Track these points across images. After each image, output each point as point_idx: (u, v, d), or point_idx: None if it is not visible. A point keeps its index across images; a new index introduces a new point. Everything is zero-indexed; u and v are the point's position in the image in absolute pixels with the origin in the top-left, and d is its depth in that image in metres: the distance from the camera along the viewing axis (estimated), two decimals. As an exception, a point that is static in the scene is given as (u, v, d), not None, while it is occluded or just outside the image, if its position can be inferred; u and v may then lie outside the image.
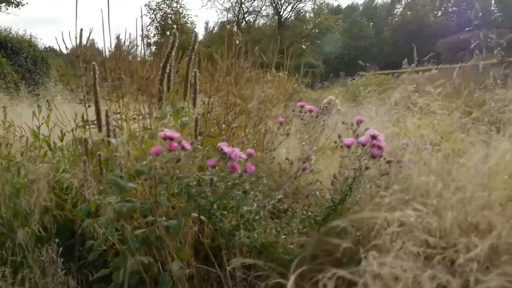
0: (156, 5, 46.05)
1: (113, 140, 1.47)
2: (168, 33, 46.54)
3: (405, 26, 47.25)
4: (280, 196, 1.42)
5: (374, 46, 49.93)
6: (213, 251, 1.63)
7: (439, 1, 57.22)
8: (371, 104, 5.27)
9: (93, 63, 1.71)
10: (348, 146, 1.48)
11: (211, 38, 53.75)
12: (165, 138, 1.29)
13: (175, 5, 46.38)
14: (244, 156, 1.36)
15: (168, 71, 1.60)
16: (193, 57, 1.67)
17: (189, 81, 1.62)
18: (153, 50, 49.64)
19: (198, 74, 1.67)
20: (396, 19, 53.02)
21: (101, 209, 1.40)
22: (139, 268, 1.48)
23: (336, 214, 1.40)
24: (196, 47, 1.71)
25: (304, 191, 1.59)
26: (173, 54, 1.58)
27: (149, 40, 49.68)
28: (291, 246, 1.43)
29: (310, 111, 1.94)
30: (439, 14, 55.98)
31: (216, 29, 53.24)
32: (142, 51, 5.24)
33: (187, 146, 1.34)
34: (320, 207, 1.47)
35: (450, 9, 56.45)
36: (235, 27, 47.43)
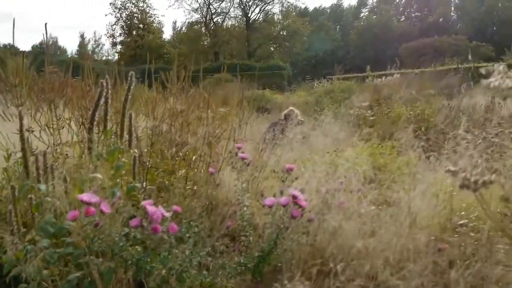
0: (121, 4, 45.10)
1: (42, 187, 1.44)
2: (134, 32, 45.70)
3: (370, 30, 48.39)
4: (214, 241, 1.43)
5: (340, 49, 50.85)
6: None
7: (403, 6, 59.00)
8: (327, 120, 5.37)
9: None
10: (270, 207, 1.48)
11: (179, 38, 53.17)
12: (83, 202, 1.26)
13: (141, 4, 45.59)
14: (167, 214, 1.36)
15: (98, 117, 1.56)
16: (129, 96, 1.64)
17: (125, 121, 1.59)
18: (119, 49, 48.72)
19: (133, 116, 1.64)
20: (362, 23, 54.20)
21: (30, 255, 1.36)
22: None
23: (265, 263, 1.43)
24: (132, 87, 1.68)
25: (241, 230, 1.61)
26: (101, 103, 1.54)
27: (114, 40, 48.67)
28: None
29: (243, 159, 1.92)
30: (403, 19, 57.70)
31: (184, 29, 52.69)
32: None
33: (106, 209, 1.31)
34: (252, 253, 1.49)
35: (413, 14, 58.33)
36: (203, 28, 47.07)
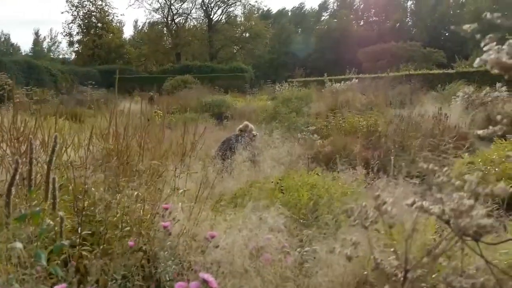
0: (78, 2, 43.64)
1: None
2: (92, 31, 44.35)
3: (330, 34, 49.44)
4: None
5: (302, 52, 51.61)
6: None
7: (362, 10, 60.69)
8: (279, 135, 5.49)
9: None
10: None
11: (141, 38, 52.14)
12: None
13: (99, 2, 44.31)
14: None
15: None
16: (53, 159, 1.62)
17: (49, 184, 1.57)
18: (76, 49, 47.13)
19: (57, 183, 1.61)
20: (322, 26, 55.27)
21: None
22: None
23: None
24: (56, 149, 1.66)
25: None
26: (17, 179, 1.51)
27: (72, 39, 47.08)
28: None
29: (165, 227, 1.90)
30: (362, 23, 59.36)
31: (145, 28, 51.67)
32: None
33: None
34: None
35: (371, 19, 60.12)
36: (165, 28, 46.40)
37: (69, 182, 2.21)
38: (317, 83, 23.63)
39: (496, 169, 5.08)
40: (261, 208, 2.27)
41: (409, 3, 58.72)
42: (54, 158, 1.64)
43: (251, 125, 5.93)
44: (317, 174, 3.05)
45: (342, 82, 22.03)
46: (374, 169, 5.47)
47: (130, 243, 1.77)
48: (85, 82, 29.39)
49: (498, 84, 13.16)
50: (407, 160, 7.43)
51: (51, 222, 1.56)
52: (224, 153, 4.86)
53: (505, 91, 12.70)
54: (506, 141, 8.74)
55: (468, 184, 1.15)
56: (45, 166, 1.66)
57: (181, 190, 2.69)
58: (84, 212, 1.90)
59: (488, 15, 1.24)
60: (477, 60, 1.21)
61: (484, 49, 1.19)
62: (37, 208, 1.54)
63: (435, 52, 33.98)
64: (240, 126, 5.95)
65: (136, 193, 1.99)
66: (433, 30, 49.99)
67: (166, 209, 1.95)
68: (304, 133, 5.91)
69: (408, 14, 57.65)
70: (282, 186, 2.75)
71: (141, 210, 1.99)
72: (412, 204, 1.41)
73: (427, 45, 38.08)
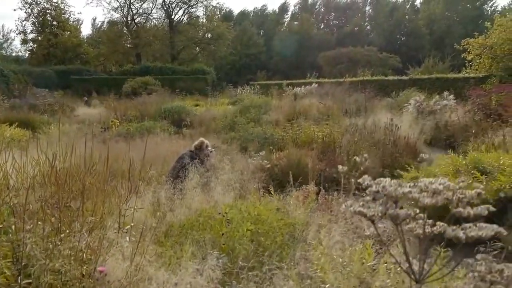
0: (32, -1, 41.84)
1: None
2: (47, 30, 42.63)
3: (292, 36, 50.10)
4: None
5: (264, 54, 51.97)
6: None
7: (322, 14, 61.90)
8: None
9: None
10: None
11: (99, 37, 50.65)
12: None
13: (55, 0, 42.66)
14: None
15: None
16: None
17: None
18: (31, 47, 45.12)
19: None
20: (284, 29, 55.90)
21: None
22: None
23: None
24: None
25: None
26: None
27: (25, 37, 45.06)
28: None
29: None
30: (322, 26, 60.54)
31: (104, 27, 50.25)
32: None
33: None
34: None
35: (331, 22, 61.47)
36: (124, 28, 45.33)
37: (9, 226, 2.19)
38: (278, 87, 23.97)
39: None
40: (204, 247, 2.35)
41: (367, 8, 60.55)
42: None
43: (206, 141, 5.98)
44: (262, 206, 3.15)
45: (303, 86, 22.48)
46: (325, 186, 5.70)
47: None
48: (40, 83, 28.23)
49: (445, 93, 13.89)
50: (359, 172, 7.74)
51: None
52: (177, 174, 4.89)
53: (452, 99, 13.42)
54: (452, 149, 9.29)
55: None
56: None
57: (128, 226, 2.72)
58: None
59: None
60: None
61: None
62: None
63: (391, 57, 35.23)
64: (196, 143, 5.98)
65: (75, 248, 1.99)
66: (390, 35, 51.80)
67: (102, 271, 1.96)
68: (255, 158, 6.03)
69: (367, 19, 59.40)
70: (228, 219, 2.84)
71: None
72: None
73: (384, 49, 39.40)
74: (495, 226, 0.94)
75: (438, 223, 0.99)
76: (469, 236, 0.92)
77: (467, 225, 0.94)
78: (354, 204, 1.05)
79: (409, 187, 1.02)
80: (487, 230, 0.93)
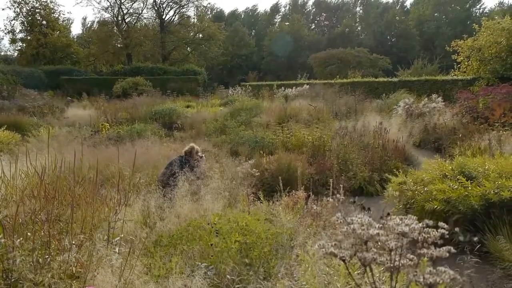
0: (21, -2, 41.36)
1: None
2: (37, 29, 42.17)
3: (283, 37, 50.18)
4: None
5: (255, 54, 52.01)
6: None
7: (313, 14, 62.12)
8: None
9: None
10: None
11: (89, 37, 50.27)
12: None
13: (44, -1, 42.21)
14: None
15: None
16: None
17: None
18: (20, 47, 44.59)
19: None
20: (275, 29, 55.96)
21: None
22: None
23: None
24: None
25: None
26: None
27: (14, 36, 44.53)
28: None
29: None
30: (313, 26, 60.75)
31: (94, 27, 49.86)
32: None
33: None
34: None
35: (322, 23, 61.72)
36: (115, 28, 45.02)
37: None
38: (269, 88, 24.04)
39: (426, 189, 5.45)
40: (193, 258, 2.38)
41: (358, 8, 60.88)
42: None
43: (196, 147, 6.01)
44: (250, 215, 3.18)
45: (294, 87, 22.56)
46: (315, 190, 5.77)
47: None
48: (29, 83, 27.90)
49: (434, 95, 14.06)
50: (349, 176, 7.83)
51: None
52: (167, 180, 4.91)
53: (441, 102, 13.59)
54: (440, 152, 9.41)
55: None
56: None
57: (117, 238, 2.74)
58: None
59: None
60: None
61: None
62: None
63: (381, 58, 35.46)
64: (186, 148, 6.01)
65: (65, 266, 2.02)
66: (380, 36, 52.17)
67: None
68: (244, 165, 6.07)
69: (357, 20, 59.71)
70: (217, 230, 2.88)
71: None
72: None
73: (374, 50, 39.61)
74: (451, 272, 1.00)
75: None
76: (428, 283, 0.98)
77: (429, 269, 1.00)
78: (326, 245, 1.10)
79: (378, 228, 1.07)
80: (445, 275, 0.98)
